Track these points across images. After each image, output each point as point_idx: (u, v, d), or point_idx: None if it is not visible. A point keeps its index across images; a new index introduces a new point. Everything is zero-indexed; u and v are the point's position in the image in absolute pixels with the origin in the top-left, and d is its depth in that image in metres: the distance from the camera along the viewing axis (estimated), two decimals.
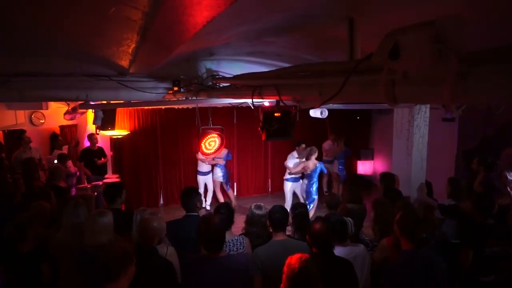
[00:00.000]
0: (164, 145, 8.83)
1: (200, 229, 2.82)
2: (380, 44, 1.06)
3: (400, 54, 0.99)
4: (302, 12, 1.69)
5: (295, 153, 7.38)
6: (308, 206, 6.85)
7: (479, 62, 0.91)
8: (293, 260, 2.17)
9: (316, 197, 7.09)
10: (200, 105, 4.78)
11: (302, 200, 7.25)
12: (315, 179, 6.99)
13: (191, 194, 3.82)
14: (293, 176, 7.37)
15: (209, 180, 8.44)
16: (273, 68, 4.00)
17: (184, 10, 1.23)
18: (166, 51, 2.20)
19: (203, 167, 8.31)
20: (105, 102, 4.84)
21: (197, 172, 8.46)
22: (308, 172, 6.93)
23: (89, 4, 1.46)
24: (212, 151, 4.63)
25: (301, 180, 7.53)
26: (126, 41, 2.01)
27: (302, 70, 1.77)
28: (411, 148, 4.95)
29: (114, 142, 8.42)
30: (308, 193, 7.07)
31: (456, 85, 0.92)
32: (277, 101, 2.14)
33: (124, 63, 2.94)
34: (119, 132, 7.87)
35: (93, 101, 4.62)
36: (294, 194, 7.63)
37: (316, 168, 6.90)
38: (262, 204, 3.79)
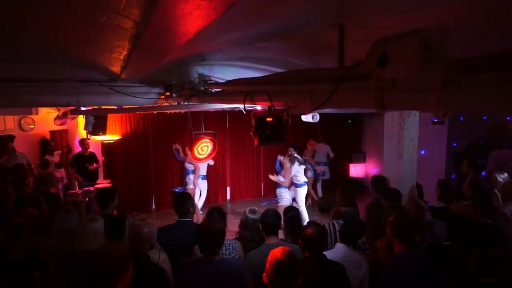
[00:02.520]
0: (156, 149, 8.80)
1: (199, 231, 2.84)
2: (368, 52, 1.09)
3: (388, 62, 1.01)
4: (293, 19, 1.71)
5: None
6: None
7: (466, 70, 0.94)
8: (277, 250, 2.26)
9: None
10: (192, 109, 4.79)
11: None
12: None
13: (184, 199, 3.81)
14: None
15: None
16: (266, 73, 4.03)
17: (175, 20, 1.25)
18: (158, 57, 2.21)
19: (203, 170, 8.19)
20: (96, 107, 4.82)
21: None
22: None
23: (81, 12, 1.47)
24: (205, 156, 4.62)
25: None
26: (117, 48, 2.02)
27: (293, 76, 1.79)
28: (401, 151, 5.01)
29: (106, 147, 8.36)
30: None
31: (443, 93, 0.95)
32: (269, 107, 2.16)
33: (116, 69, 2.94)
34: (110, 137, 7.83)
35: (84, 107, 4.59)
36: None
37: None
38: (257, 209, 3.81)
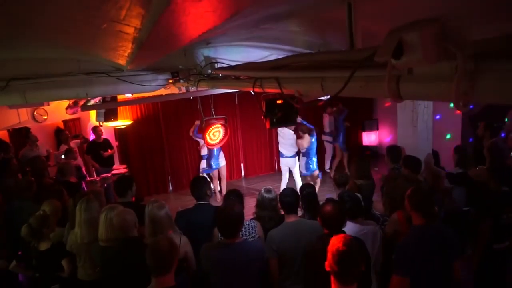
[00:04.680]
0: (168, 131, 8.85)
1: (219, 215, 2.89)
2: (383, 43, 1.03)
3: (404, 52, 0.96)
4: (301, 1, 1.64)
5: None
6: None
7: (489, 58, 0.88)
8: (338, 240, 2.17)
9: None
10: (201, 95, 4.74)
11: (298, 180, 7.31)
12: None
13: (201, 183, 3.87)
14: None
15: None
16: (273, 51, 3.95)
17: (179, 27, 1.21)
18: (162, 53, 2.17)
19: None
20: (107, 100, 4.82)
21: (203, 157, 8.16)
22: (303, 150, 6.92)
23: (80, 18, 1.43)
24: (217, 141, 4.61)
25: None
26: (121, 48, 1.99)
27: (302, 61, 1.74)
28: (416, 119, 4.90)
29: (118, 132, 8.45)
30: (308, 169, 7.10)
31: (463, 84, 0.90)
32: (279, 93, 2.12)
33: (121, 62, 2.92)
34: (122, 122, 7.89)
35: (93, 98, 4.60)
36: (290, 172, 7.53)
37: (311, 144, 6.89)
38: (272, 188, 3.83)
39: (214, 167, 7.64)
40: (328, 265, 2.15)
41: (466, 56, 0.88)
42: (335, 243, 2.15)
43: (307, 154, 6.90)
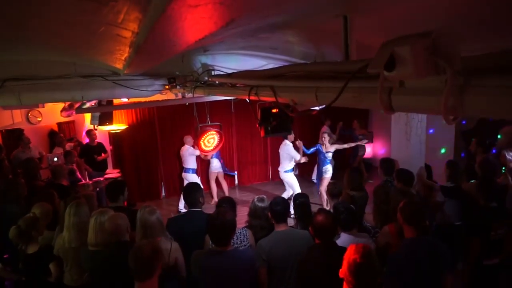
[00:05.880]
0: (163, 137, 8.82)
1: (210, 222, 2.88)
2: (376, 55, 1.05)
3: (395, 65, 0.98)
4: (295, 13, 1.67)
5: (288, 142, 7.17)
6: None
7: (479, 73, 0.90)
8: (354, 251, 2.15)
9: None
10: (197, 101, 4.76)
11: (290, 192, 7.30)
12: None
13: (194, 189, 3.85)
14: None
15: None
16: (269, 60, 3.99)
17: (175, 32, 1.22)
18: (159, 58, 2.19)
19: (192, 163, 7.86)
20: (103, 101, 4.81)
21: (185, 170, 7.69)
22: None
23: (78, 22, 1.44)
24: (212, 148, 4.60)
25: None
26: (118, 51, 2.00)
27: (297, 70, 1.76)
28: (409, 133, 4.95)
29: (113, 136, 8.41)
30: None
31: (453, 98, 0.92)
32: (274, 102, 2.14)
33: (118, 66, 2.93)
34: (117, 126, 7.86)
35: (89, 101, 4.58)
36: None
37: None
38: (265, 197, 3.83)
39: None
40: (342, 273, 2.14)
41: (456, 71, 0.90)
42: (353, 253, 2.12)
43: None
